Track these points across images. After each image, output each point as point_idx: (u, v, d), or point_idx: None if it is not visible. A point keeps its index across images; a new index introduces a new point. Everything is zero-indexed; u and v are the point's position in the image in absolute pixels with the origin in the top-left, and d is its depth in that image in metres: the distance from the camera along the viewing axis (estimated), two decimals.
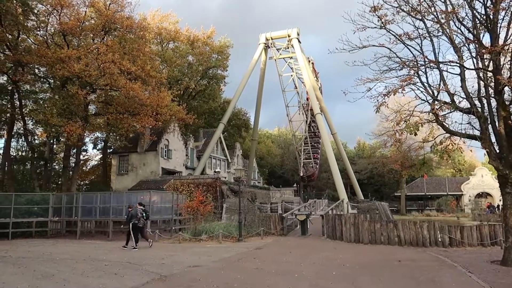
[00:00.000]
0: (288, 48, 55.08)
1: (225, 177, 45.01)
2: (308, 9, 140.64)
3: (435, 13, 12.57)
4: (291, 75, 58.25)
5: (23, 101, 32.62)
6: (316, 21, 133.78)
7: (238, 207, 20.96)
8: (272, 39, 55.35)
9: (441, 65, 12.75)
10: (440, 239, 16.94)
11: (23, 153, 41.86)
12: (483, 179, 59.00)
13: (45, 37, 29.79)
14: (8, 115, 32.07)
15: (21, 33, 28.49)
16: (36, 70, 31.58)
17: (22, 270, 11.54)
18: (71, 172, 33.72)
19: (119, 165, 39.68)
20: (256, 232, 21.19)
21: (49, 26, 29.64)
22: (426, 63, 12.77)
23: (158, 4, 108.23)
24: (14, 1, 25.44)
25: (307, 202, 36.48)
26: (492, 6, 11.71)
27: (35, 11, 27.81)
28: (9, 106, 31.70)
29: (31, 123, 36.34)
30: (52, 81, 32.54)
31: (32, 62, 28.01)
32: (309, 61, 59.55)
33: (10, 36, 27.60)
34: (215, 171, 42.30)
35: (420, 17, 12.77)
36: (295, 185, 55.64)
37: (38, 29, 29.75)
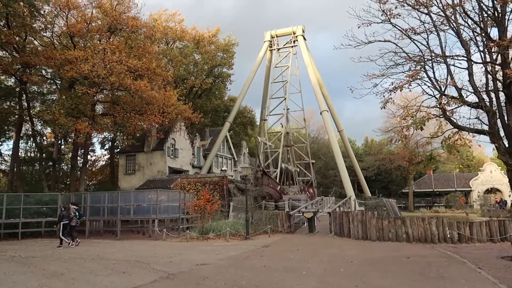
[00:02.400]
0: (292, 41, 54.33)
1: (231, 176, 44.99)
2: (320, 7, 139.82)
3: (440, 6, 12.43)
4: (285, 77, 53.94)
5: (30, 102, 32.92)
6: (328, 19, 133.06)
7: (245, 205, 20.95)
8: (277, 36, 55.18)
9: (448, 60, 12.64)
10: (449, 235, 16.78)
11: (32, 154, 42.29)
12: (492, 175, 58.40)
13: (52, 39, 30.01)
14: (16, 116, 32.40)
15: (28, 34, 28.72)
16: (44, 72, 31.83)
17: (32, 269, 11.64)
18: (79, 172, 33.97)
19: (126, 164, 39.85)
20: (263, 230, 21.18)
21: (55, 27, 29.86)
22: (433, 57, 12.65)
23: (172, 4, 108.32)
24: (21, 3, 25.61)
25: (314, 200, 36.36)
26: None
27: (42, 12, 27.97)
28: (17, 108, 32.01)
29: (40, 124, 36.72)
30: (60, 82, 32.78)
31: (40, 64, 28.22)
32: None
33: (17, 38, 27.84)
34: (221, 170, 42.29)
35: (426, 11, 12.65)
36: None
37: (45, 31, 29.96)
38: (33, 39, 29.77)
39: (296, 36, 53.60)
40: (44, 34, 30.15)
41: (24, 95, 31.20)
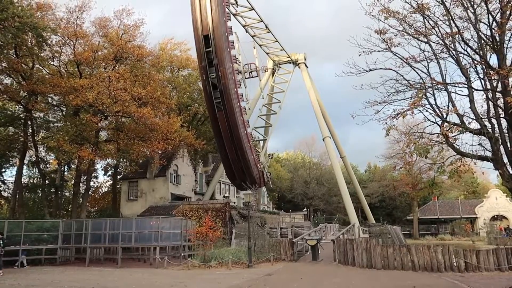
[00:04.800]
0: (293, 64, 54.96)
1: (234, 202, 44.70)
2: (327, 37, 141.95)
3: (439, 35, 12.68)
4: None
5: (35, 129, 33.20)
6: (334, 50, 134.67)
7: (247, 232, 20.71)
8: (279, 63, 56.00)
9: (449, 87, 12.76)
10: (455, 264, 16.46)
11: (35, 181, 42.26)
12: (498, 201, 57.73)
13: (58, 67, 30.57)
14: (20, 143, 32.58)
15: (36, 63, 29.28)
16: (50, 99, 32.25)
17: None
18: (81, 199, 33.85)
19: (128, 191, 39.74)
20: (266, 257, 20.85)
21: (62, 55, 30.47)
22: (434, 85, 12.79)
23: (183, 34, 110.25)
24: (30, 33, 26.28)
25: (317, 227, 35.92)
26: (497, 27, 11.78)
27: (49, 42, 28.60)
28: (22, 135, 32.25)
29: (43, 150, 36.88)
30: (65, 109, 33.17)
31: (46, 91, 28.62)
32: None
33: (25, 66, 28.37)
34: (224, 196, 42.02)
35: (426, 40, 12.89)
36: (305, 209, 54.94)
37: (52, 59, 30.55)
38: (41, 67, 30.34)
39: (299, 64, 54.43)
40: (52, 62, 30.75)
41: (29, 122, 31.51)
